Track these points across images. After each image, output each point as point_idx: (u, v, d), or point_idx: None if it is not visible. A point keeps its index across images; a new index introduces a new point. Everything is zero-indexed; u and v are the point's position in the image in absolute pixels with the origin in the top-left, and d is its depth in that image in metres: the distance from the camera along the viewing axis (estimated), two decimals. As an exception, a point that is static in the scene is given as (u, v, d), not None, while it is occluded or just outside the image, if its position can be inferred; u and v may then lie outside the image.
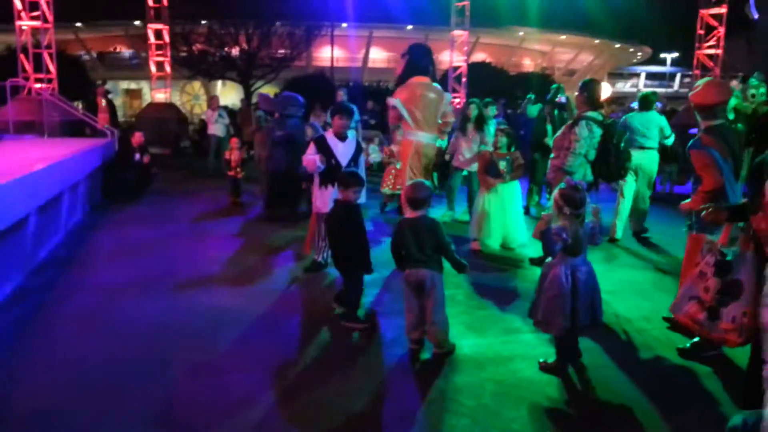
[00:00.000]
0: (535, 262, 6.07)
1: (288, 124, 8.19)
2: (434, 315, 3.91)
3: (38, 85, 13.97)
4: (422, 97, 6.67)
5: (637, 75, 55.68)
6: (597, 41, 44.13)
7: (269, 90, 22.24)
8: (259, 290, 5.38)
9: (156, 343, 4.19)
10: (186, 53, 24.50)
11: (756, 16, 15.07)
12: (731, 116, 5.98)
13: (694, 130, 9.43)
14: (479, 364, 3.90)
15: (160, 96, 19.72)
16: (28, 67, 14.01)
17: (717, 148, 4.17)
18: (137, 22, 28.79)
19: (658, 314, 4.77)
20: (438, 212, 7.99)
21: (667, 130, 7.46)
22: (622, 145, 5.82)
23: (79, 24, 35.31)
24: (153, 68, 19.49)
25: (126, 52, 39.28)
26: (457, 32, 19.90)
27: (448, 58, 20.93)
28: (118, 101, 31.37)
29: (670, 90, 48.04)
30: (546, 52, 46.52)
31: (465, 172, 7.98)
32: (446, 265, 4.04)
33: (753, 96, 8.11)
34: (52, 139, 11.51)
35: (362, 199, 4.99)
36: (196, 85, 37.27)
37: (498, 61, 33.20)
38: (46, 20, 14.00)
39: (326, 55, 29.18)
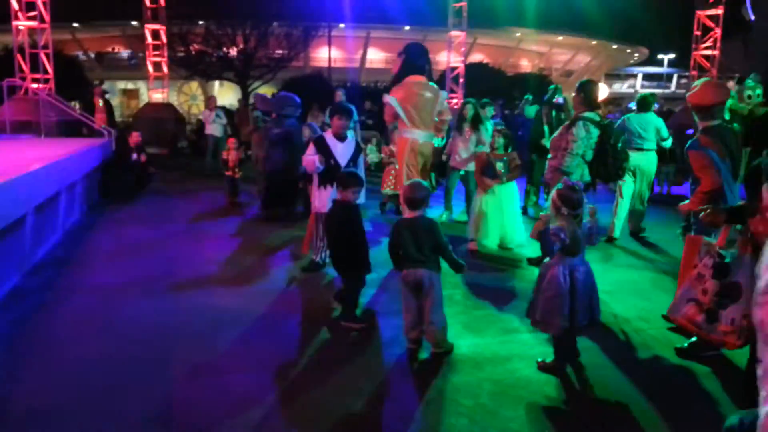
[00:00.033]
0: (533, 262, 6.08)
1: (285, 124, 8.20)
2: (432, 315, 3.92)
3: (35, 85, 13.95)
4: (418, 96, 6.68)
5: (634, 76, 55.79)
6: (594, 42, 44.23)
7: (267, 90, 22.21)
8: (258, 290, 5.38)
9: (155, 343, 4.19)
10: (183, 53, 24.46)
11: (752, 18, 15.11)
12: (727, 116, 5.99)
13: (691, 131, 9.47)
14: (477, 363, 3.91)
15: (158, 96, 19.72)
16: (25, 67, 14.00)
17: (715, 148, 4.18)
18: (134, 23, 28.73)
19: (656, 314, 4.78)
20: (435, 212, 8.00)
21: (665, 132, 7.48)
22: (620, 145, 5.83)
23: (75, 24, 35.27)
24: (150, 68, 19.47)
25: (124, 52, 39.20)
26: (454, 33, 19.93)
27: (446, 58, 20.96)
28: (116, 101, 31.32)
29: (667, 91, 48.12)
30: (543, 53, 46.59)
31: (462, 172, 7.99)
32: (444, 265, 4.05)
33: (749, 97, 8.13)
34: (49, 139, 11.50)
35: (361, 199, 5.00)
36: (194, 86, 37.23)
37: (495, 62, 33.23)
38: (42, 20, 13.99)
39: (324, 55, 29.17)
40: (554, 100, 8.67)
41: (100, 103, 14.44)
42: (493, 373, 3.79)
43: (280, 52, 26.14)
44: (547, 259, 3.85)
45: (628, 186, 7.36)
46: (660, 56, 52.01)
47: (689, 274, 3.78)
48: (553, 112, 8.62)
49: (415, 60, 6.85)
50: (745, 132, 7.40)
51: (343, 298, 4.62)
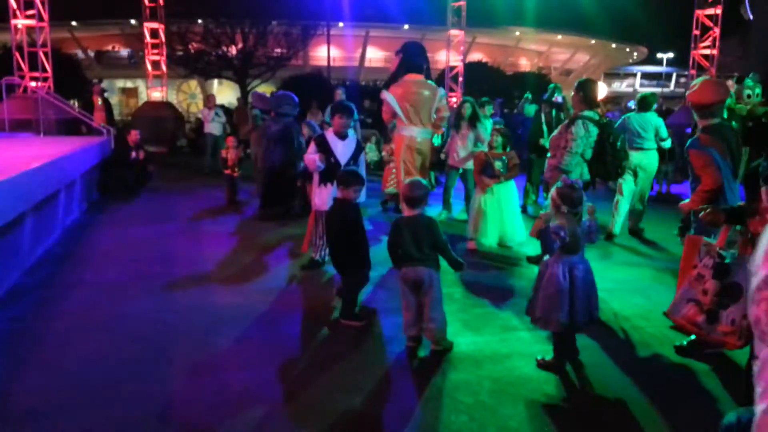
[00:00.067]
0: (533, 260, 6.08)
1: (283, 122, 8.20)
2: (432, 312, 3.92)
3: (34, 84, 13.94)
4: (416, 95, 6.70)
5: (634, 75, 55.84)
6: (593, 41, 44.24)
7: (266, 89, 22.19)
8: (257, 288, 5.37)
9: (154, 341, 4.18)
10: (182, 52, 24.45)
11: (751, 17, 15.13)
12: (725, 115, 6.00)
13: (689, 129, 9.46)
14: (477, 361, 3.91)
15: (157, 95, 19.70)
16: (24, 65, 13.97)
17: (715, 147, 4.18)
18: (133, 21, 28.70)
19: (655, 312, 4.78)
20: (434, 211, 8.00)
21: (664, 133, 7.50)
22: (619, 144, 5.84)
23: (74, 23, 35.22)
24: (149, 67, 19.45)
25: (124, 51, 39.15)
26: (453, 32, 19.92)
27: (445, 57, 20.95)
28: (114, 100, 31.31)
29: (666, 90, 48.15)
30: (542, 52, 46.61)
31: (461, 171, 7.99)
32: (443, 263, 4.05)
33: (749, 96, 8.13)
34: (48, 138, 11.49)
35: (362, 198, 5.00)
36: (193, 84, 37.22)
37: (494, 61, 33.23)
38: (41, 18, 13.95)
39: (323, 54, 29.14)
40: (553, 99, 8.67)
41: (99, 101, 14.42)
42: (493, 370, 3.79)
43: (279, 50, 26.15)
44: (546, 257, 3.86)
45: (628, 184, 7.38)
46: (659, 55, 52.06)
47: (689, 275, 3.77)
48: (553, 111, 8.62)
49: (413, 59, 6.86)
50: (744, 131, 7.40)
51: (343, 297, 4.62)
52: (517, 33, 41.67)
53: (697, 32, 16.19)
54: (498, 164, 6.64)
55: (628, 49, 48.10)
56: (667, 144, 7.58)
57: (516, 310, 4.75)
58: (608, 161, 5.81)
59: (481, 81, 22.30)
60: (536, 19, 35.15)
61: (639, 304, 5.05)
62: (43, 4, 13.85)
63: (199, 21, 24.98)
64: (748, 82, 8.38)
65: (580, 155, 5.72)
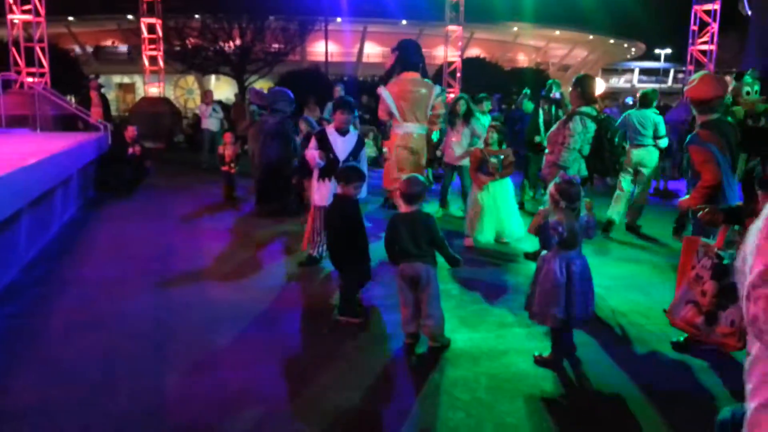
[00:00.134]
0: (530, 256, 6.08)
1: (279, 118, 8.20)
2: (430, 309, 3.92)
3: (30, 79, 13.89)
4: (412, 93, 6.74)
5: (631, 71, 55.86)
6: (591, 37, 44.19)
7: (263, 85, 22.17)
8: (255, 285, 5.37)
9: (152, 338, 4.18)
10: (179, 47, 24.37)
11: (749, 12, 15.10)
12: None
13: (682, 121, 9.40)
14: (474, 358, 3.91)
15: (154, 90, 19.65)
16: (20, 61, 13.93)
17: (715, 142, 4.17)
18: (130, 16, 28.59)
19: (653, 309, 4.78)
20: (431, 208, 7.99)
21: (662, 130, 7.50)
22: (617, 140, 5.84)
23: (71, 18, 35.07)
24: (146, 62, 19.39)
25: (122, 47, 39.00)
26: (451, 27, 19.88)
27: (443, 53, 20.92)
28: (111, 95, 31.22)
29: (663, 86, 48.17)
30: (540, 48, 46.56)
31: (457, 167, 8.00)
32: (440, 259, 4.05)
33: (747, 93, 8.12)
34: (45, 133, 11.45)
35: (363, 193, 5.00)
36: (190, 80, 37.10)
37: (492, 57, 33.20)
38: (38, 14, 13.90)
39: (320, 49, 29.07)
40: (551, 95, 8.66)
41: (96, 97, 14.37)
42: (490, 367, 3.79)
43: (276, 46, 26.06)
44: (544, 253, 3.86)
45: (627, 181, 7.42)
46: (657, 51, 52.04)
47: (687, 276, 3.76)
48: (552, 108, 8.62)
49: (408, 56, 6.88)
50: (743, 131, 7.40)
51: (342, 293, 4.62)
52: (515, 28, 41.62)
53: (695, 28, 16.18)
54: (494, 161, 6.63)
55: (625, 45, 48.07)
56: (664, 143, 7.59)
57: (513, 307, 4.75)
58: (606, 157, 5.82)
59: (479, 76, 22.29)
60: (534, 14, 35.15)
61: (637, 300, 5.06)
62: (39, -1, 13.81)
63: (197, 16, 24.90)
64: (747, 78, 8.37)
65: (577, 151, 5.72)
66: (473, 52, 33.75)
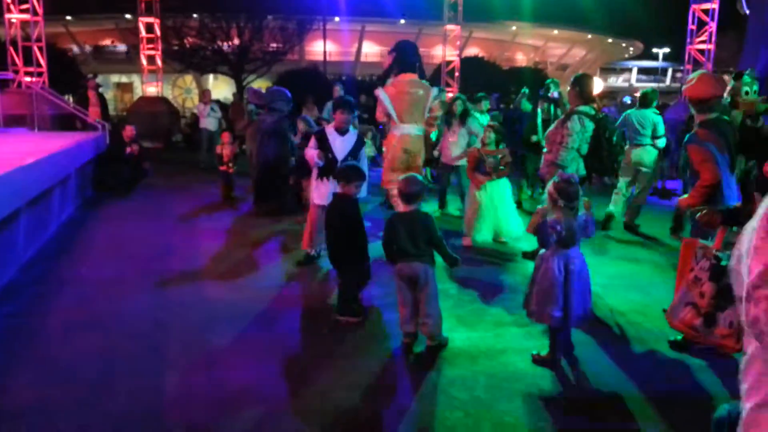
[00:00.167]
0: (528, 255, 6.08)
1: (277, 117, 8.20)
2: (428, 308, 3.92)
3: (28, 79, 13.86)
4: (409, 94, 6.75)
5: (629, 70, 55.86)
6: (589, 36, 44.21)
7: (261, 84, 22.14)
8: (253, 285, 5.36)
9: (150, 338, 4.18)
10: (177, 47, 24.36)
11: (747, 12, 15.10)
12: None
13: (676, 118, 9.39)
14: (472, 357, 3.91)
15: (152, 90, 19.62)
16: (18, 60, 13.89)
17: (714, 141, 4.17)
18: (128, 16, 28.56)
19: (651, 307, 4.79)
20: (429, 208, 7.99)
21: (660, 130, 7.51)
22: (615, 139, 5.84)
23: (69, 17, 35.01)
24: (144, 62, 19.36)
25: (121, 46, 38.94)
26: (449, 27, 19.88)
27: (441, 52, 20.91)
28: (109, 95, 31.13)
29: (662, 85, 48.18)
30: (539, 47, 46.56)
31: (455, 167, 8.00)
32: (438, 259, 4.05)
33: (746, 93, 8.13)
34: (43, 133, 11.42)
35: (363, 193, 5.00)
36: (188, 79, 37.05)
37: (491, 56, 33.19)
38: (35, 13, 13.86)
39: (319, 49, 29.07)
40: (549, 94, 8.65)
41: (94, 96, 14.34)
42: (488, 366, 3.79)
43: (274, 45, 26.06)
44: (542, 251, 3.86)
45: (625, 182, 7.46)
46: (655, 50, 52.06)
47: (686, 278, 3.77)
48: (551, 107, 8.61)
49: (406, 57, 6.90)
50: (741, 131, 7.40)
51: (341, 292, 4.61)
52: (514, 28, 41.61)
53: (693, 27, 16.19)
54: (491, 161, 6.64)
55: (624, 44, 48.09)
56: (662, 142, 7.61)
57: (511, 306, 4.75)
58: (604, 156, 5.82)
59: (478, 76, 22.26)
60: (533, 14, 35.13)
61: (635, 299, 5.06)
62: (37, -2, 13.78)
63: (195, 16, 24.90)
64: (746, 78, 8.37)
65: (576, 150, 5.72)
66: (472, 51, 33.73)
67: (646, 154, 7.45)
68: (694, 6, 16.00)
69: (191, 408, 3.28)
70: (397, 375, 3.70)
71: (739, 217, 3.36)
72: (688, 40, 16.33)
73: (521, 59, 45.18)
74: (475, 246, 6.65)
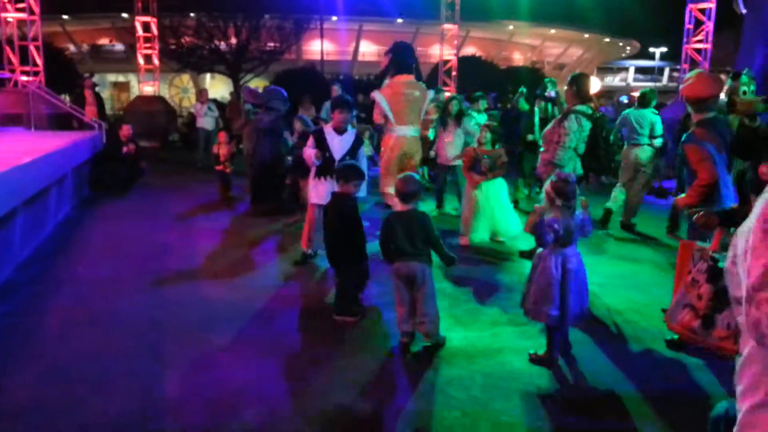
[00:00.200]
0: (525, 255, 6.09)
1: (273, 116, 8.20)
2: (425, 307, 3.92)
3: (24, 78, 13.82)
4: (405, 96, 6.77)
5: (626, 69, 55.90)
6: (586, 35, 44.21)
7: (259, 83, 22.10)
8: (250, 284, 5.36)
9: (147, 338, 4.17)
10: (174, 46, 24.32)
11: (744, 11, 15.13)
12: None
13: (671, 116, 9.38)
14: (469, 356, 3.92)
15: (149, 89, 19.57)
16: (14, 59, 13.85)
17: (711, 141, 4.18)
18: (125, 15, 28.49)
19: (648, 306, 4.80)
20: (426, 207, 7.99)
21: (658, 130, 7.53)
22: (612, 138, 5.86)
23: (65, 16, 34.91)
24: (141, 61, 19.32)
25: (119, 45, 38.83)
26: (447, 26, 19.87)
27: (438, 52, 20.91)
28: (106, 94, 31.09)
29: (659, 84, 48.22)
30: (536, 46, 46.56)
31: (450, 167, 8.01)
32: (435, 258, 4.05)
33: (744, 93, 8.14)
34: (39, 132, 11.39)
35: (362, 192, 5.00)
36: (185, 78, 36.94)
37: (488, 55, 33.17)
38: (32, 12, 13.83)
39: (316, 48, 29.04)
40: (546, 93, 8.67)
41: (91, 96, 14.31)
42: (485, 365, 3.80)
43: (272, 44, 26.02)
44: (539, 250, 3.87)
45: (621, 192, 7.50)
46: (652, 49, 52.12)
47: (684, 281, 3.77)
48: (549, 106, 8.62)
49: (402, 59, 6.91)
50: (739, 131, 7.42)
51: (338, 292, 4.61)
52: (511, 27, 41.60)
53: (690, 26, 16.19)
54: (486, 160, 6.64)
55: (621, 44, 48.10)
56: (658, 142, 7.62)
57: (508, 305, 4.75)
58: (601, 155, 5.83)
59: (475, 75, 22.27)
60: (530, 13, 35.11)
61: (632, 298, 5.07)
62: (33, -3, 13.73)
63: (192, 15, 24.84)
64: (744, 78, 8.39)
65: (573, 150, 5.73)
66: (469, 50, 33.73)
67: (642, 153, 7.47)
68: (690, 5, 16.01)
69: (190, 408, 3.28)
70: (394, 374, 3.71)
71: (736, 219, 3.36)
72: (685, 39, 16.34)
73: (518, 59, 45.19)
74: (472, 245, 6.65)
